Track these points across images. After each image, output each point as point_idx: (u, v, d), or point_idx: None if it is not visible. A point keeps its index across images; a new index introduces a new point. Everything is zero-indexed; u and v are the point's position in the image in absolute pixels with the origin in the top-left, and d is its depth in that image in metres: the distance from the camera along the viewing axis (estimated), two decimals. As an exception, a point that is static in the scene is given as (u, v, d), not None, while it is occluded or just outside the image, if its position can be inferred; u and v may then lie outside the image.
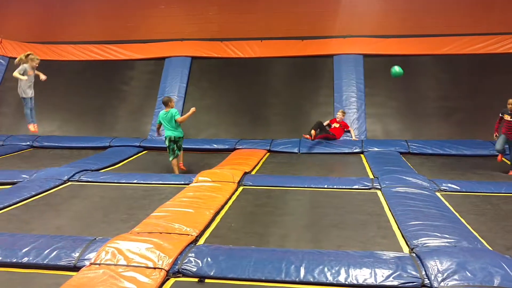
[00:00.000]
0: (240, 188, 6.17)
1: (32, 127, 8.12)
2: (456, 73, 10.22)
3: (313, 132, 8.75)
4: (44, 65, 11.55)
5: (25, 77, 7.63)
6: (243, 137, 9.71)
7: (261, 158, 8.25)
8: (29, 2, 12.31)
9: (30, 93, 7.95)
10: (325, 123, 9.39)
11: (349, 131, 9.55)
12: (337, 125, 9.14)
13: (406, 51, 10.53)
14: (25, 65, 7.75)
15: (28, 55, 7.70)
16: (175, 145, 7.21)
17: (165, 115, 7.14)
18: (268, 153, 8.81)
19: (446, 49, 10.43)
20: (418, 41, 10.61)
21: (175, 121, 7.06)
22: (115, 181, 6.63)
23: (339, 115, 9.47)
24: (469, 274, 3.31)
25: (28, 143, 9.85)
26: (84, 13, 12.04)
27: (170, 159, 7.26)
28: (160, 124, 7.31)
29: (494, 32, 10.36)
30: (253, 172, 7.24)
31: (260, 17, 11.39)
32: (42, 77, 7.60)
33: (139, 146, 9.46)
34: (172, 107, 7.15)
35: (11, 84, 10.57)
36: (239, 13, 11.44)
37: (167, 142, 7.24)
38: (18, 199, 5.65)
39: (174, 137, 7.16)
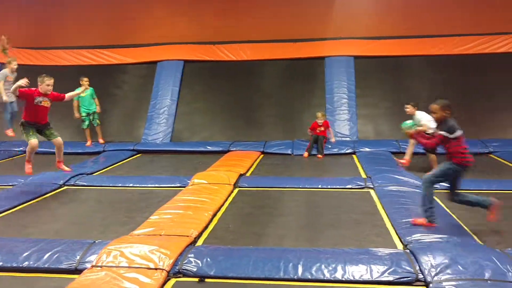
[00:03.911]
0: (236, 190, 6.25)
1: (10, 132, 8.17)
2: (446, 73, 10.39)
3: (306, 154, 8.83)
4: (36, 71, 11.55)
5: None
6: (236, 139, 9.79)
7: (255, 160, 8.34)
8: (21, 8, 12.30)
9: (13, 97, 8.02)
10: (308, 132, 9.22)
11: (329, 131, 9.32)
12: (322, 128, 9.08)
13: (396, 53, 10.70)
14: (5, 70, 7.82)
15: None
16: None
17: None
18: (262, 155, 8.90)
19: (436, 49, 10.60)
20: (408, 42, 10.77)
21: None
22: (111, 184, 6.68)
23: (319, 118, 8.98)
24: (461, 268, 3.42)
25: (21, 148, 9.81)
26: (76, 18, 12.05)
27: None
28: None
29: (483, 33, 10.56)
30: (248, 174, 7.32)
31: (252, 20, 11.47)
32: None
33: (133, 150, 9.52)
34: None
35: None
36: (230, 16, 11.51)
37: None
38: (15, 204, 5.66)
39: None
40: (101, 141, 9.95)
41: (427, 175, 4.51)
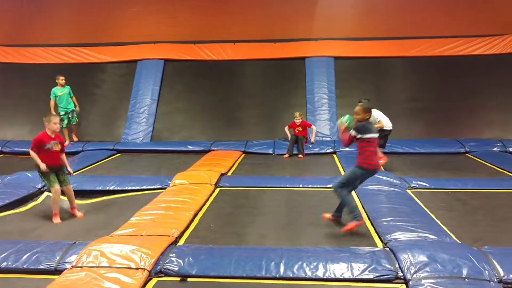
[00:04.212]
0: (217, 190, 6.24)
1: None
2: (424, 74, 10.56)
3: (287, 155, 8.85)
4: (13, 69, 11.40)
5: None
6: (218, 139, 9.77)
7: (237, 160, 8.34)
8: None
9: None
10: (286, 130, 9.37)
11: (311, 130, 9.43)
12: (300, 129, 9.16)
13: (376, 54, 10.82)
14: None
15: None
16: None
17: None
18: (243, 155, 8.91)
19: (414, 51, 10.78)
20: (387, 44, 10.90)
21: None
22: (91, 185, 6.57)
23: (297, 118, 9.07)
24: (439, 266, 3.49)
25: (-2, 148, 9.65)
26: (54, 15, 11.85)
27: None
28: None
29: (460, 35, 10.77)
30: (229, 174, 7.32)
31: (233, 19, 11.46)
32: None
33: (113, 149, 9.41)
34: None
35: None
36: (211, 16, 11.48)
37: None
38: (-8, 205, 5.55)
39: None
40: (75, 138, 9.88)
41: (335, 183, 4.66)
